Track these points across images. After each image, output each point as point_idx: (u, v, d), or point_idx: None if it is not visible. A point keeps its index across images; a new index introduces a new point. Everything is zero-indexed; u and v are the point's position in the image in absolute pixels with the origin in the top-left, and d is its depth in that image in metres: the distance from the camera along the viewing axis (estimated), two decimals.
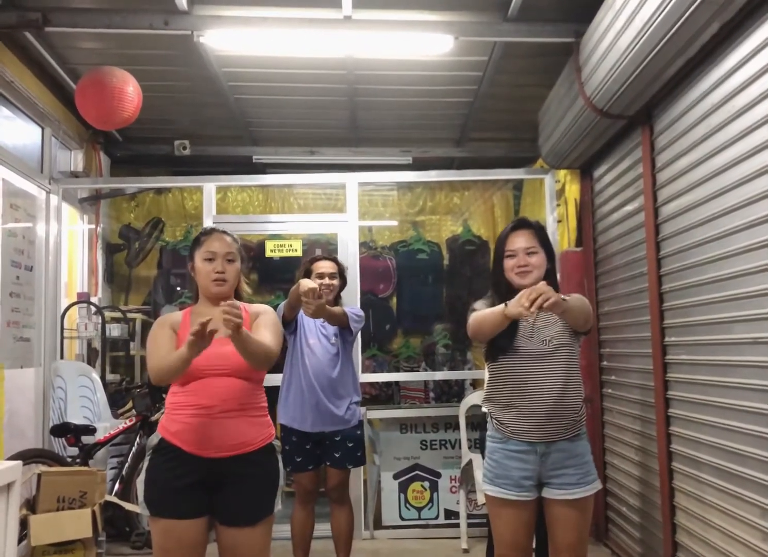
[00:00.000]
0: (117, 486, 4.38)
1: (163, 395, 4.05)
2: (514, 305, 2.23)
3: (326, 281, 3.56)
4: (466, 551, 4.34)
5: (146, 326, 6.02)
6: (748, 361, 2.65)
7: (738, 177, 2.68)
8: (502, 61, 4.49)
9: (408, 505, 4.82)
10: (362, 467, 4.18)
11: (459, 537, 4.43)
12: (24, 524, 3.44)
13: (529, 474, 2.48)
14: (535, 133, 4.86)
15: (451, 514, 4.76)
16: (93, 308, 5.33)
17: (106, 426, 4.52)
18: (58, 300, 4.96)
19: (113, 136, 5.81)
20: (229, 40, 3.98)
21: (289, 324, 3.50)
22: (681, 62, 2.97)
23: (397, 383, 6.32)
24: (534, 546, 2.68)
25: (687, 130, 3.12)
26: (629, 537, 3.98)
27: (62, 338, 5.03)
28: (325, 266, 3.60)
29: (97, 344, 5.44)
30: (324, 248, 5.62)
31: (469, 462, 4.27)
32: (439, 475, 4.84)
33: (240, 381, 2.41)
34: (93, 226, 5.87)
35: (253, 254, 6.08)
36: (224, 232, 2.59)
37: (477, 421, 4.42)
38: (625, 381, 4.01)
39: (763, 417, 2.54)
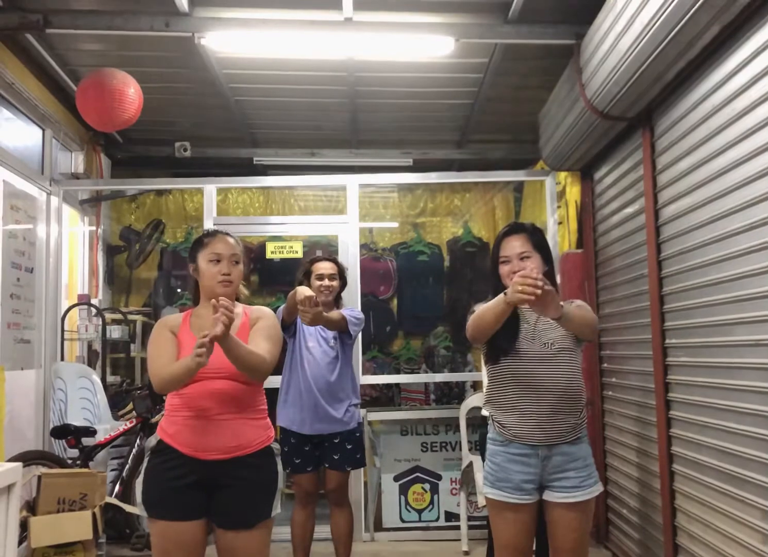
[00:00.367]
0: (117, 487, 4.37)
1: (163, 398, 4.04)
2: (512, 292, 2.21)
3: (326, 282, 3.56)
4: (466, 553, 4.33)
5: (147, 328, 6.02)
6: (749, 363, 2.64)
7: (739, 179, 2.68)
8: (503, 63, 4.49)
9: (408, 507, 4.81)
10: (362, 469, 4.18)
11: (459, 540, 4.42)
12: (24, 526, 3.43)
13: (531, 477, 2.47)
14: (535, 135, 4.86)
15: (451, 516, 4.75)
16: (93, 310, 5.33)
17: (107, 427, 4.51)
18: (58, 302, 4.97)
19: (114, 138, 5.81)
20: (229, 42, 3.97)
21: (289, 328, 3.50)
22: (682, 64, 2.97)
23: (397, 385, 6.31)
24: (534, 548, 2.68)
25: (688, 133, 3.12)
26: (630, 539, 3.97)
27: (63, 339, 5.02)
28: (324, 267, 3.59)
29: (97, 346, 5.43)
30: (325, 249, 5.63)
31: (470, 464, 4.27)
32: (439, 477, 4.84)
33: (238, 384, 2.38)
34: (93, 227, 5.87)
35: (253, 255, 6.09)
36: (227, 234, 2.57)
37: (477, 423, 4.42)
38: (626, 383, 4.01)
39: (764, 420, 2.53)
